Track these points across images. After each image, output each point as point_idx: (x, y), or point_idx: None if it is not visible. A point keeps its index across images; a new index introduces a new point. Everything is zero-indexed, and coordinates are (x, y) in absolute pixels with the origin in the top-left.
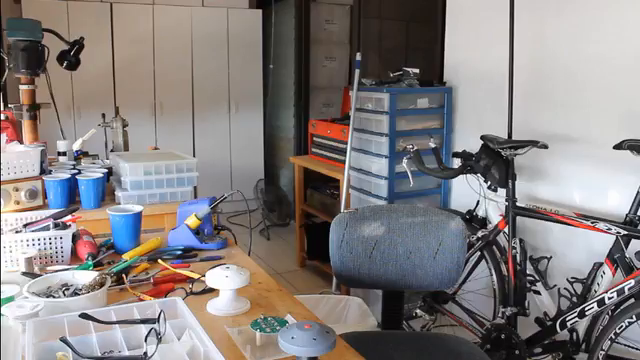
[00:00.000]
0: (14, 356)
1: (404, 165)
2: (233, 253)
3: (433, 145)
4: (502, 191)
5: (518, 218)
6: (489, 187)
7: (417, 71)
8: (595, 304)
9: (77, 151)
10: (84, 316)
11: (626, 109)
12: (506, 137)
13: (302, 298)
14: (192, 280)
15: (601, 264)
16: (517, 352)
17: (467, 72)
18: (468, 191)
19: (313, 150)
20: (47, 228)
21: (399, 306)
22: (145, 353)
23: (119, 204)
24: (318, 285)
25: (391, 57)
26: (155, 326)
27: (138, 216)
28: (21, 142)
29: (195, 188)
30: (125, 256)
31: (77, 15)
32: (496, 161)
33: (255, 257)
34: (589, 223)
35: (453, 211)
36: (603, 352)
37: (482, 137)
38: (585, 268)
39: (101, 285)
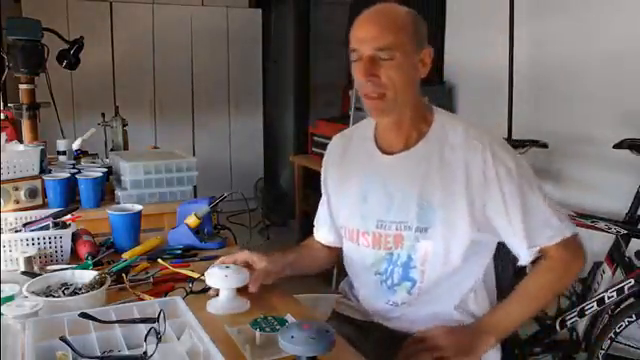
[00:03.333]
0: (14, 356)
1: None
2: (233, 252)
3: None
4: None
5: None
6: None
7: None
8: (595, 303)
9: (77, 150)
10: (84, 315)
11: (626, 108)
12: (506, 136)
13: (302, 298)
14: (192, 279)
15: (601, 263)
16: (517, 351)
17: (467, 71)
18: None
19: (313, 149)
20: (47, 227)
21: None
22: (145, 352)
23: (119, 203)
24: (318, 285)
25: None
26: (155, 325)
27: (138, 215)
28: (21, 141)
29: (195, 187)
30: (125, 255)
31: (77, 14)
32: None
33: None
34: (589, 222)
35: None
36: (603, 351)
37: None
38: (585, 267)
39: (101, 284)
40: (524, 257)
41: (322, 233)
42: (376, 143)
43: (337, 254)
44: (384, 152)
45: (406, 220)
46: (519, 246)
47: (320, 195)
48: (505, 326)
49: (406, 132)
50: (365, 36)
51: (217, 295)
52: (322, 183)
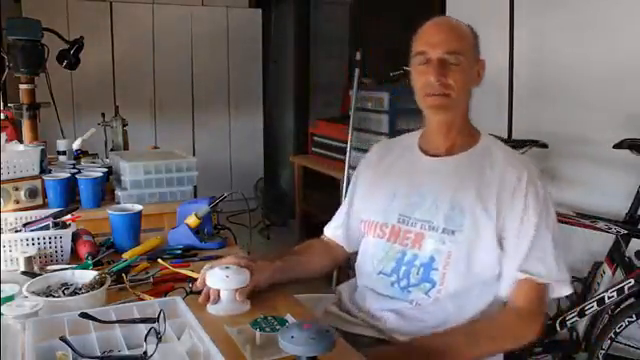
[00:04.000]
0: (14, 356)
1: None
2: (233, 253)
3: None
4: None
5: None
6: None
7: None
8: (595, 303)
9: (77, 150)
10: (84, 315)
11: (626, 108)
12: (506, 136)
13: (302, 298)
14: (192, 279)
15: (601, 263)
16: (517, 351)
17: None
18: None
19: (313, 149)
20: (47, 227)
21: None
22: (145, 352)
23: (119, 203)
24: (318, 285)
25: (391, 56)
26: (155, 325)
27: (138, 215)
28: (21, 141)
29: (195, 187)
30: (125, 255)
31: (77, 14)
32: None
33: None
34: (589, 222)
35: None
36: (603, 351)
37: None
38: (585, 267)
39: (101, 284)
40: (509, 278)
41: (332, 227)
42: (420, 149)
43: (337, 259)
44: (427, 155)
45: (432, 220)
46: (511, 264)
47: (321, 195)
48: (441, 356)
49: (453, 138)
50: (435, 40)
51: (215, 299)
52: (351, 186)
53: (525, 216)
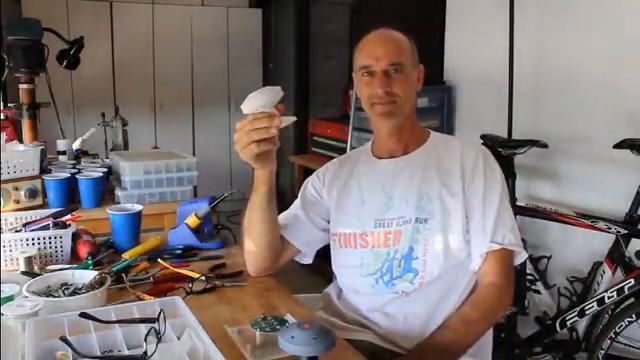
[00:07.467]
0: (14, 356)
1: None
2: (233, 252)
3: None
4: None
5: (518, 217)
6: None
7: None
8: (595, 303)
9: (77, 150)
10: (84, 315)
11: (626, 108)
12: (506, 136)
13: (302, 298)
14: (192, 279)
15: (601, 263)
16: (517, 351)
17: (467, 71)
18: None
19: (313, 149)
20: (47, 227)
21: None
22: (145, 352)
23: (119, 203)
24: (318, 285)
25: None
26: (155, 325)
27: (138, 215)
28: (21, 141)
29: (195, 187)
30: (125, 255)
31: (77, 14)
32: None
33: None
34: (589, 222)
35: None
36: (603, 351)
37: (482, 136)
38: (585, 267)
39: (101, 284)
40: (481, 251)
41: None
42: (374, 156)
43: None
44: (383, 159)
45: (404, 214)
46: (482, 237)
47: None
48: (446, 351)
49: (406, 139)
50: (378, 54)
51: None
52: (324, 192)
53: (487, 190)
